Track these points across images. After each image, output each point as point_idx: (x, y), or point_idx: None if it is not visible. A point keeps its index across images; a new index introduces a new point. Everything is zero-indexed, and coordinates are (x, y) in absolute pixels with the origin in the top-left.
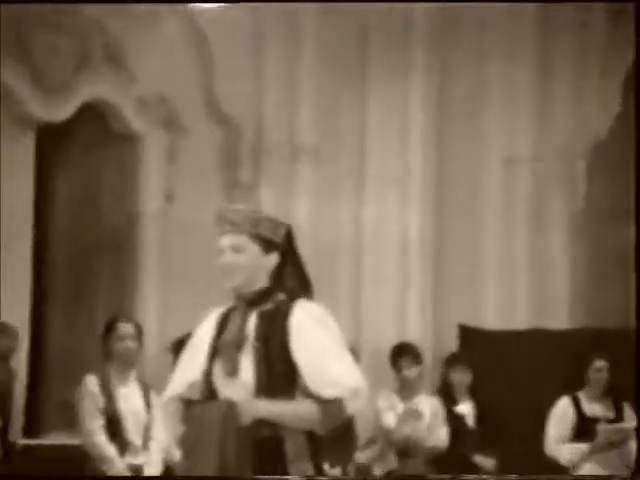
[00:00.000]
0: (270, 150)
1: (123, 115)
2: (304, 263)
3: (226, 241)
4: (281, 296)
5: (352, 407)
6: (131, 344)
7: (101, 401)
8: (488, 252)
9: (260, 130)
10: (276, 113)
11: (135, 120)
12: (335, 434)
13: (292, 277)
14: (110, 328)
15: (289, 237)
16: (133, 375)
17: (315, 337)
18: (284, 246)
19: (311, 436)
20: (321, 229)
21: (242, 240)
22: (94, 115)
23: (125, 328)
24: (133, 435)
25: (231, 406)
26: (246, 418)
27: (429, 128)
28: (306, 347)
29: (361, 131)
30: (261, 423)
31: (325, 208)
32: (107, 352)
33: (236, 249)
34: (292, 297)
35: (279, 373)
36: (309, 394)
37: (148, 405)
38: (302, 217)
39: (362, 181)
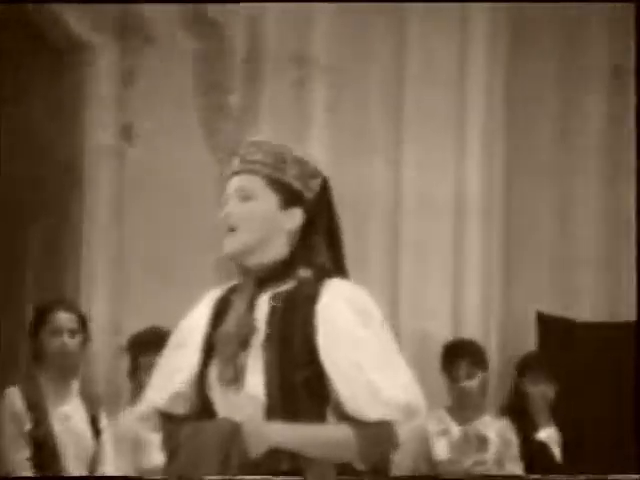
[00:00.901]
0: (272, 69)
1: (63, 20)
2: (341, 231)
3: (233, 184)
4: (305, 272)
5: (405, 433)
6: (71, 342)
7: (28, 423)
8: (583, 217)
9: (258, 40)
10: (282, 18)
11: (79, 26)
12: (377, 468)
13: (322, 247)
14: (41, 318)
15: (323, 193)
16: (74, 387)
17: (353, 333)
18: (314, 204)
19: (345, 469)
20: (343, 183)
21: (256, 183)
22: (23, 21)
23: (62, 319)
24: (73, 470)
25: (235, 429)
26: (257, 447)
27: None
28: (340, 347)
29: (398, 52)
30: (277, 454)
31: (348, 155)
32: (37, 354)
33: (245, 195)
34: (321, 275)
35: (301, 383)
36: (344, 414)
37: (96, 429)
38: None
39: (399, 118)
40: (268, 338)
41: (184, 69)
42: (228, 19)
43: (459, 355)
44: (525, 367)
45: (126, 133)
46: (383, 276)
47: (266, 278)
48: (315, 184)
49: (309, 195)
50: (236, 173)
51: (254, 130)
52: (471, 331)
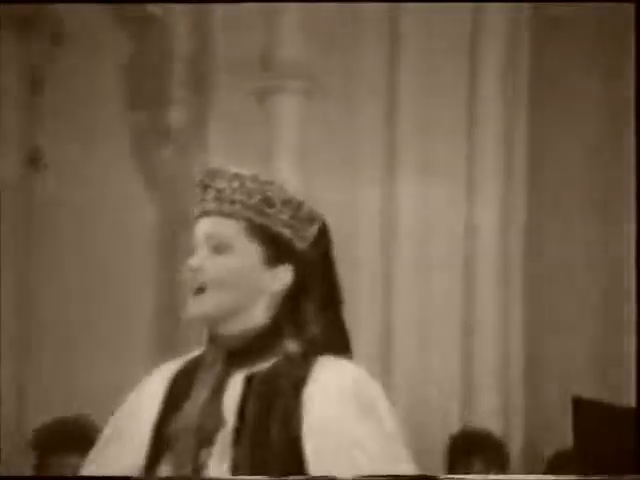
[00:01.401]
0: (226, 76)
1: None
2: (341, 294)
3: (204, 228)
4: (291, 346)
5: None
6: None
7: None
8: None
9: (208, 40)
10: (238, 13)
11: None
12: None
13: (314, 314)
14: None
15: (321, 243)
16: None
17: (349, 431)
18: (308, 258)
19: None
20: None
21: (234, 230)
22: None
23: None
24: None
25: None
26: None
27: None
28: (331, 449)
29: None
30: None
31: (327, 186)
32: None
33: (219, 245)
34: (311, 350)
35: None
36: None
37: None
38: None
39: (391, 128)
40: (238, 434)
41: (110, 77)
42: (170, 14)
43: (471, 451)
44: (558, 466)
45: (33, 160)
46: (375, 348)
47: (241, 352)
48: (311, 232)
49: (302, 246)
50: (207, 214)
51: (201, 156)
52: (483, 415)
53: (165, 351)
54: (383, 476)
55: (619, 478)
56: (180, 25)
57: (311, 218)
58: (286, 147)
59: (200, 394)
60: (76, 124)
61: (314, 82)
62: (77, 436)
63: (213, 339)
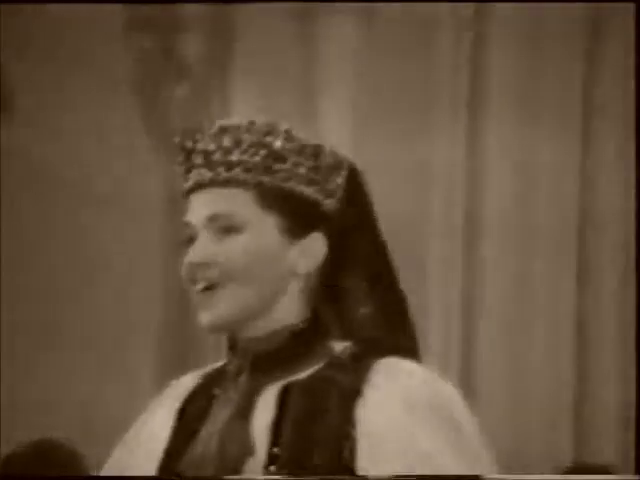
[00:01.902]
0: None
1: None
2: (392, 260)
3: (200, 207)
4: (338, 347)
5: None
6: None
7: None
8: None
9: None
10: None
11: None
12: None
13: (364, 298)
14: None
15: (354, 194)
16: None
17: (425, 455)
18: (342, 217)
19: None
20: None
21: (241, 202)
22: None
23: None
24: None
25: None
26: None
27: None
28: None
29: None
30: None
31: (384, 131)
32: None
33: (226, 225)
34: (366, 350)
35: None
36: None
37: None
38: None
39: (476, 62)
40: (272, 464)
41: None
42: None
43: None
44: None
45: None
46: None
47: (271, 359)
48: (338, 182)
49: (331, 204)
50: (202, 187)
51: (218, 100)
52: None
53: (174, 367)
54: (418, 476)
55: (619, 478)
56: None
57: (336, 165)
58: (333, 88)
59: (221, 415)
60: (56, 47)
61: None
62: (54, 464)
63: (234, 346)
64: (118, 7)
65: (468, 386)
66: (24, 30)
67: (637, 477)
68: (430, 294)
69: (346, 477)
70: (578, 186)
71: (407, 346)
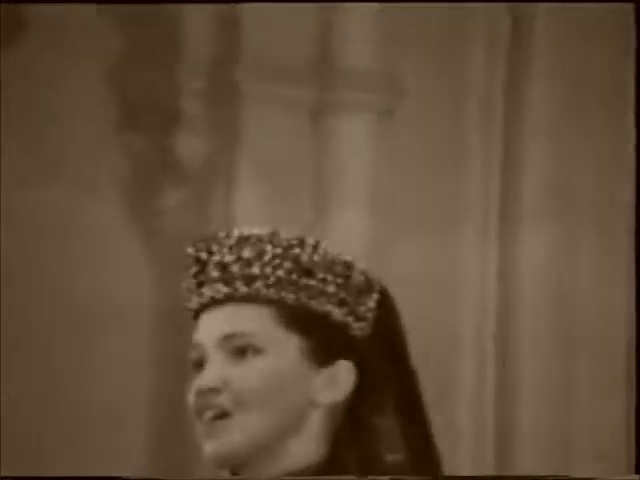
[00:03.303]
0: (258, 78)
1: None
2: (423, 398)
3: (214, 326)
4: None
5: None
6: None
7: None
8: None
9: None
10: None
11: None
12: None
13: (393, 437)
14: None
15: (385, 319)
16: None
17: None
18: (371, 346)
19: None
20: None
21: (256, 319)
22: None
23: None
24: None
25: None
26: None
27: None
28: None
29: None
30: None
31: (406, 234)
32: None
33: (242, 346)
34: None
35: None
36: None
37: None
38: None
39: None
40: None
41: (93, 82)
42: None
43: None
44: None
45: None
46: None
47: None
48: (369, 305)
49: (361, 329)
50: (217, 303)
51: (224, 206)
52: None
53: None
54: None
55: (619, 478)
56: (194, 16)
57: (367, 285)
58: (351, 190)
59: None
60: (39, 152)
61: (392, 96)
62: None
63: None
64: (110, 102)
65: None
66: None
67: (637, 477)
68: (461, 414)
69: (344, 477)
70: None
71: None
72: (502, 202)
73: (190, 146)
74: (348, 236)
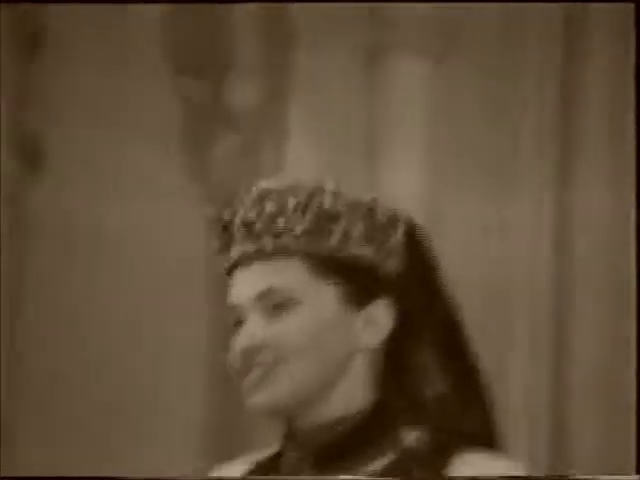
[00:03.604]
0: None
1: None
2: (465, 331)
3: (247, 285)
4: (411, 438)
5: None
6: None
7: None
8: None
9: None
10: None
11: None
12: None
13: (441, 372)
14: None
15: (415, 251)
16: None
17: None
18: (405, 280)
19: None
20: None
21: (290, 273)
22: None
23: None
24: None
25: None
26: None
27: None
28: None
29: None
30: None
31: (461, 185)
32: None
33: (277, 301)
34: (444, 440)
35: None
36: None
37: None
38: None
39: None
40: None
41: (144, 32)
42: None
43: None
44: None
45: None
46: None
47: (336, 451)
48: (398, 239)
49: (392, 265)
50: (247, 261)
51: (276, 151)
52: None
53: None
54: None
55: (619, 478)
56: None
57: (393, 220)
58: (402, 138)
59: None
60: (90, 101)
61: (449, 39)
62: None
63: (292, 435)
64: (165, 48)
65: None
66: (62, 87)
67: (637, 477)
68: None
69: (344, 477)
70: None
71: (487, 435)
72: (559, 152)
73: (243, 93)
74: (400, 185)
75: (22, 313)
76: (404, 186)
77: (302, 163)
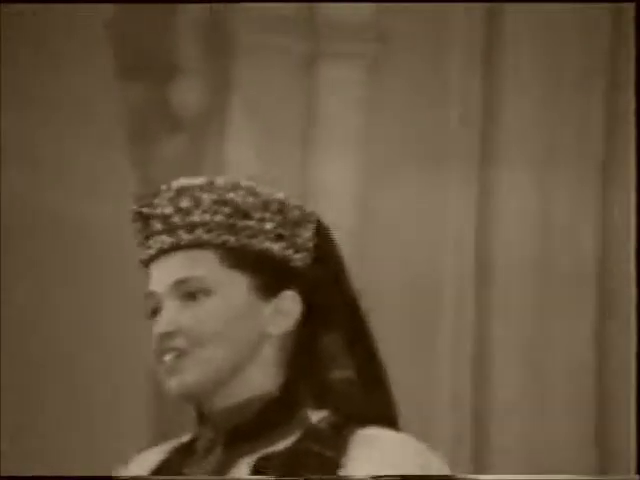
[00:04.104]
0: (253, 29)
1: None
2: (368, 321)
3: (161, 274)
4: (315, 417)
5: None
6: None
7: None
8: None
9: None
10: None
11: None
12: None
13: (344, 357)
14: None
15: (324, 248)
16: None
17: None
18: (313, 273)
19: None
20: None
21: (203, 263)
22: None
23: None
24: None
25: None
26: None
27: None
28: None
29: None
30: None
31: (391, 179)
32: None
33: (191, 289)
34: (346, 419)
35: None
36: None
37: None
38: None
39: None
40: None
41: (93, 35)
42: None
43: None
44: None
45: None
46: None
47: (246, 431)
48: (307, 236)
49: (301, 259)
50: (164, 253)
51: (214, 154)
52: None
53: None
54: (396, 476)
55: (619, 478)
56: None
57: (303, 218)
58: (337, 137)
59: None
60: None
61: (380, 45)
62: None
63: (205, 418)
64: (109, 52)
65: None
66: (19, 78)
67: (637, 477)
68: (440, 348)
69: (346, 477)
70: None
71: (387, 415)
72: (481, 148)
73: (185, 95)
74: (336, 177)
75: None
76: (338, 180)
77: (242, 161)
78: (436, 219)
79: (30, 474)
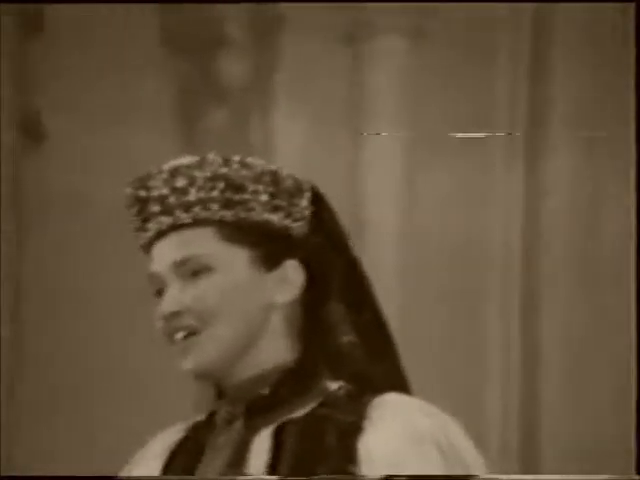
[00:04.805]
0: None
1: None
2: (370, 281)
3: (164, 256)
4: (331, 384)
5: None
6: None
7: None
8: None
9: None
10: None
11: None
12: None
13: (349, 323)
14: None
15: (321, 215)
16: None
17: None
18: (314, 242)
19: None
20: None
21: (202, 241)
22: None
23: None
24: None
25: None
26: None
27: None
28: None
29: None
30: None
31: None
32: None
33: (194, 268)
34: (363, 386)
35: None
36: None
37: None
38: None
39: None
40: None
41: (139, 10)
42: None
43: None
44: None
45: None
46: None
47: (266, 402)
48: (303, 204)
49: (299, 228)
50: (163, 234)
51: (260, 128)
52: None
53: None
54: (409, 476)
55: (619, 478)
56: None
57: (297, 187)
58: (385, 112)
59: (213, 466)
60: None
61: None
62: None
63: (223, 393)
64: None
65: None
66: (57, 59)
67: (637, 477)
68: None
69: (346, 477)
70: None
71: (400, 380)
72: (527, 131)
73: (232, 69)
74: (382, 155)
75: (23, 292)
76: (387, 155)
77: (288, 136)
78: (484, 197)
79: (30, 474)
